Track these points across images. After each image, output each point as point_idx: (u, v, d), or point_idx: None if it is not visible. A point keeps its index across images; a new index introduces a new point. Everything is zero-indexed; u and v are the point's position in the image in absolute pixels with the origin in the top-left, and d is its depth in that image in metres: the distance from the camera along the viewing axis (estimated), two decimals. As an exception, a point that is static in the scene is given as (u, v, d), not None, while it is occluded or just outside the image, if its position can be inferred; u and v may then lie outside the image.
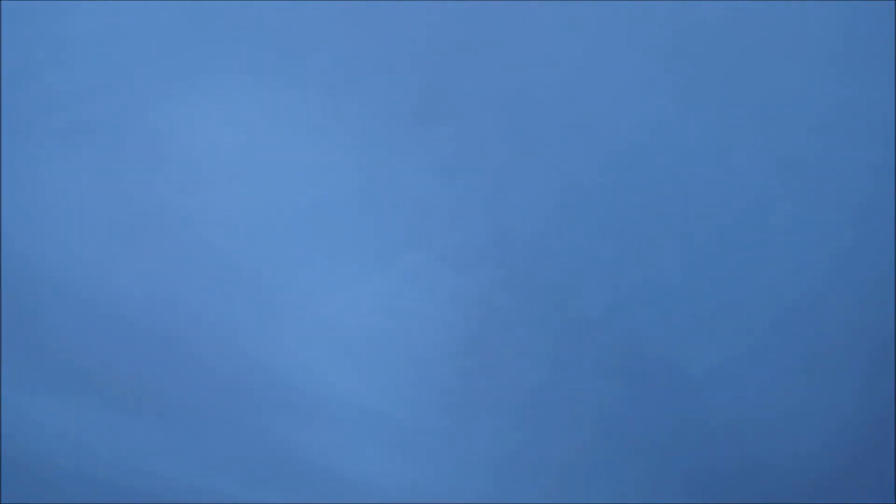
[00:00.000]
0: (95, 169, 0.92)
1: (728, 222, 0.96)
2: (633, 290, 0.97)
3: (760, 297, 0.98)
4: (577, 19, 0.88)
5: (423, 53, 0.89)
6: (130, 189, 0.93)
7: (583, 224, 0.94)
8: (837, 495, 1.05)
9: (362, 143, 0.91)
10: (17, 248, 0.96)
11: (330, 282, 0.95)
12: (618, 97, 0.90)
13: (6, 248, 0.95)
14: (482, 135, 0.91)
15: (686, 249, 0.96)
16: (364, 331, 0.97)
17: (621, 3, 0.87)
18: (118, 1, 0.87)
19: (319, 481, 1.05)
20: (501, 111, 0.90)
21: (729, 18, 0.88)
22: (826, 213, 0.95)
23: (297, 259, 0.95)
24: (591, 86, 0.89)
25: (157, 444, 1.02)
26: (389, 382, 1.00)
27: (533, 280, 0.96)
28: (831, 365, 1.02)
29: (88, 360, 0.99)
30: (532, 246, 0.95)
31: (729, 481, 1.06)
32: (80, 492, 1.06)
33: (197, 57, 0.88)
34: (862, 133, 0.92)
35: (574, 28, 0.88)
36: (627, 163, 0.92)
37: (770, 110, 0.92)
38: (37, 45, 0.88)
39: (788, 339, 1.00)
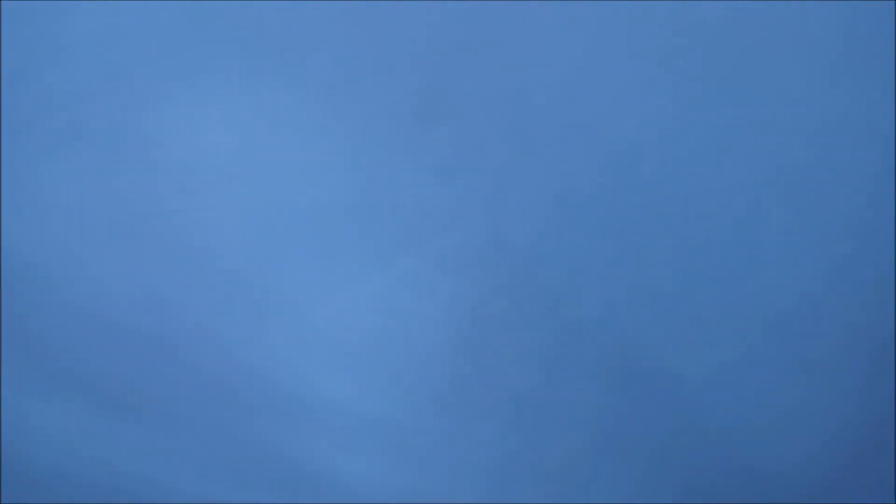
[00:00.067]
0: (91, 170, 0.92)
1: (724, 227, 0.96)
2: (628, 295, 0.97)
3: (756, 302, 0.98)
4: (574, 23, 0.88)
5: (419, 56, 0.89)
6: (126, 191, 0.93)
7: (579, 228, 0.94)
8: (834, 501, 1.04)
9: (358, 146, 0.91)
10: (12, 249, 0.96)
11: (325, 285, 0.95)
12: (614, 102, 0.90)
13: (1, 249, 0.95)
14: (478, 138, 0.91)
15: (682, 254, 0.96)
16: (359, 334, 0.97)
17: (618, 7, 0.87)
18: (115, 2, 0.87)
19: (314, 485, 1.05)
20: (498, 115, 0.91)
21: (726, 23, 0.88)
22: (822, 219, 0.96)
23: (293, 262, 0.95)
24: (587, 90, 0.90)
25: (150, 448, 1.02)
26: (385, 385, 1.00)
27: (529, 284, 0.96)
28: (827, 370, 1.01)
29: (81, 362, 0.99)
30: (528, 250, 0.95)
31: (724, 486, 1.05)
32: (73, 494, 1.06)
33: (193, 59, 0.88)
34: (860, 139, 0.92)
35: (571, 32, 0.88)
36: (623, 168, 0.93)
37: (767, 116, 0.92)
38: (34, 46, 0.88)
39: (784, 345, 1.00)
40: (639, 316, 0.98)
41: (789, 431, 1.04)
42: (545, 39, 0.88)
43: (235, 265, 0.96)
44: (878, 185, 0.94)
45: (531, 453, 1.03)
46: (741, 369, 1.01)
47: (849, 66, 0.90)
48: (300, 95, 0.90)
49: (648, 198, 0.94)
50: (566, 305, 0.97)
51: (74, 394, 1.01)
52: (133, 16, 0.88)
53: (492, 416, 1.01)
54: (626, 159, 0.92)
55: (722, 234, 0.96)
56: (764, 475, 1.06)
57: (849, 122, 0.92)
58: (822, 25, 0.88)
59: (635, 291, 0.97)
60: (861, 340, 1.00)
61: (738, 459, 1.05)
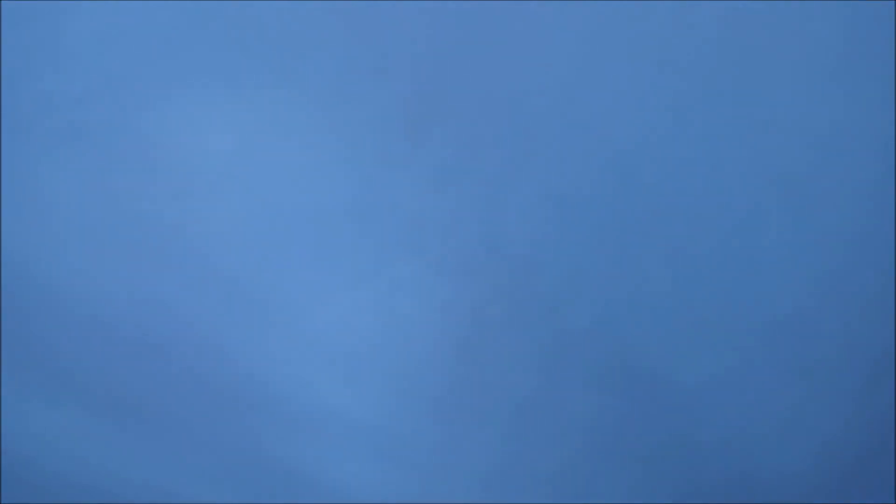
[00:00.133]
0: (90, 173, 0.92)
1: (721, 232, 0.96)
2: (626, 300, 0.97)
3: (753, 307, 0.98)
4: (571, 28, 0.88)
5: (417, 61, 0.89)
6: (124, 193, 0.93)
7: (576, 233, 0.94)
8: (828, 508, 1.05)
9: (355, 151, 0.91)
10: (10, 251, 0.96)
11: (322, 289, 0.95)
12: (611, 106, 0.90)
13: (-3, 254, 0.95)
14: (476, 143, 0.91)
15: (679, 260, 0.96)
16: (357, 338, 0.97)
17: (615, 11, 0.87)
18: (114, 4, 0.87)
19: (309, 491, 1.05)
20: (495, 120, 0.90)
21: (724, 28, 0.88)
22: (820, 225, 0.95)
23: (290, 266, 0.95)
24: (584, 95, 0.90)
25: (146, 451, 1.02)
26: (382, 390, 1.00)
27: (524, 290, 0.96)
28: (824, 376, 1.01)
29: (76, 366, 0.99)
30: (525, 255, 0.95)
31: (720, 492, 1.05)
32: (71, 497, 1.06)
33: (191, 62, 0.88)
34: (859, 143, 0.92)
35: (569, 37, 0.88)
36: (620, 173, 0.92)
37: (765, 121, 0.92)
38: (30, 48, 0.88)
39: (781, 351, 1.00)
40: (636, 321, 0.98)
41: (786, 437, 1.04)
42: (543, 45, 0.88)
43: (232, 269, 0.96)
44: (878, 190, 0.94)
45: (528, 458, 1.03)
46: (738, 375, 1.01)
47: (849, 70, 0.90)
48: (298, 99, 0.90)
49: (645, 203, 0.94)
50: (563, 310, 0.97)
51: (71, 396, 1.01)
52: (132, 18, 0.88)
53: (488, 420, 1.01)
54: (623, 164, 0.92)
55: (719, 239, 0.96)
56: (760, 481, 1.06)
57: (848, 127, 0.92)
58: (822, 28, 0.88)
59: (633, 297, 0.97)
60: (859, 347, 1.00)
61: (735, 465, 1.05)
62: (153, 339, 0.97)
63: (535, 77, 0.89)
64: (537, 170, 0.92)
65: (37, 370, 1.00)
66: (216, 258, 0.95)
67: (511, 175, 0.92)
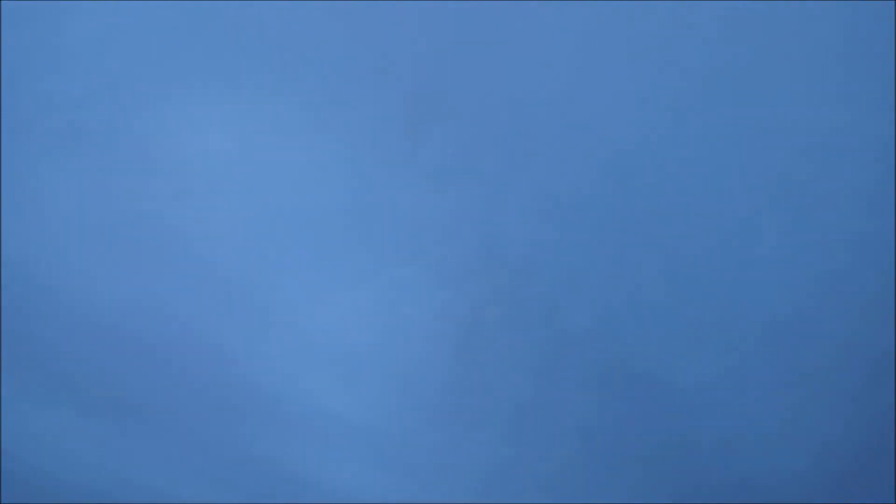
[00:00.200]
0: (86, 175, 0.92)
1: (719, 237, 0.95)
2: (621, 305, 0.97)
3: (750, 312, 0.98)
4: (569, 32, 0.87)
5: (415, 64, 0.89)
6: (120, 196, 0.92)
7: (574, 238, 0.94)
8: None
9: (353, 154, 0.91)
10: (7, 253, 0.96)
11: (319, 292, 0.95)
12: (609, 111, 0.90)
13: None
14: (474, 146, 0.91)
15: (676, 263, 0.96)
16: (353, 342, 0.97)
17: (613, 15, 0.87)
18: (112, 5, 0.87)
19: (306, 493, 1.04)
20: (493, 123, 0.90)
21: (722, 32, 0.88)
22: (818, 229, 0.95)
23: (287, 269, 0.95)
24: (582, 99, 0.89)
25: (142, 454, 1.02)
26: (378, 394, 1.00)
27: (523, 293, 0.96)
28: (821, 381, 1.01)
29: (73, 366, 0.99)
30: (522, 259, 0.95)
31: (717, 496, 1.05)
32: (66, 498, 1.05)
33: (188, 64, 0.88)
34: (858, 148, 0.92)
35: (567, 41, 0.88)
36: (618, 177, 0.92)
37: (763, 125, 0.92)
38: (30, 49, 0.88)
39: (778, 355, 1.00)
40: (635, 324, 0.98)
41: (785, 439, 1.04)
42: (542, 47, 0.88)
43: (231, 271, 0.96)
44: (876, 192, 0.94)
45: (526, 461, 1.03)
46: (737, 377, 1.01)
47: (849, 72, 0.90)
48: (297, 101, 0.90)
49: (644, 206, 0.94)
50: (562, 313, 0.97)
51: (67, 397, 1.01)
52: (131, 19, 0.88)
53: (487, 422, 1.01)
54: (622, 167, 0.92)
55: (717, 243, 0.96)
56: (759, 483, 1.06)
57: (847, 129, 0.92)
58: (821, 30, 0.88)
59: (631, 299, 0.97)
60: (857, 349, 1.00)
61: (734, 467, 1.05)
62: (151, 340, 0.97)
63: (533, 79, 0.89)
64: (536, 172, 0.92)
65: (32, 370, 1.00)
66: (214, 259, 0.95)
67: (510, 177, 0.92)
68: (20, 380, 1.00)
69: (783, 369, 1.01)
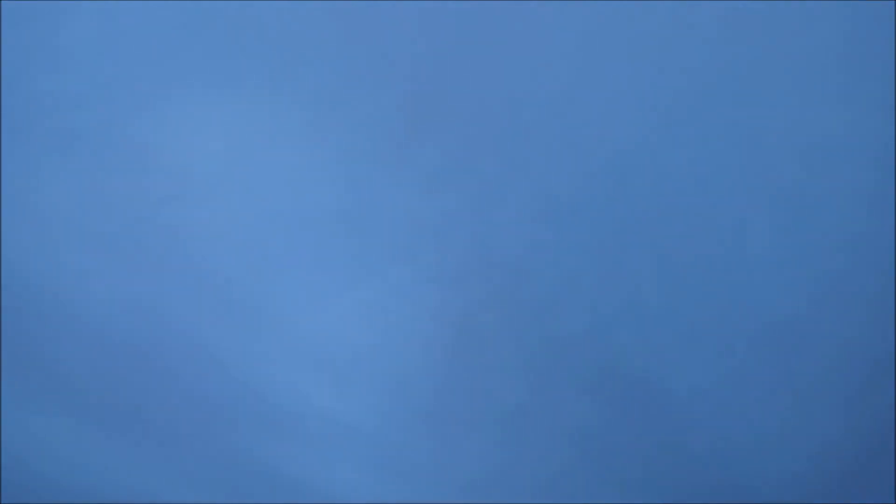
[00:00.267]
0: (80, 177, 0.92)
1: (712, 240, 0.95)
2: (616, 308, 0.97)
3: (744, 316, 0.98)
4: (564, 36, 0.88)
5: (410, 67, 0.89)
6: (113, 198, 0.92)
7: (567, 241, 0.94)
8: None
9: (347, 157, 0.91)
10: (1, 255, 0.96)
11: (312, 295, 0.95)
12: (603, 113, 0.90)
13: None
14: (467, 150, 0.91)
15: (670, 267, 0.96)
16: (345, 346, 0.97)
17: (608, 20, 0.87)
18: (106, 8, 0.87)
19: (299, 496, 1.04)
20: (487, 127, 0.90)
21: (719, 34, 0.88)
22: (812, 234, 0.95)
23: (280, 272, 0.95)
24: (575, 103, 0.89)
25: (134, 458, 1.02)
26: (371, 397, 0.99)
27: (516, 296, 0.96)
28: (817, 383, 1.01)
29: (66, 369, 0.99)
30: (515, 262, 0.94)
31: (712, 500, 1.05)
32: (59, 500, 1.05)
33: (182, 66, 0.88)
34: (853, 152, 0.92)
35: (561, 45, 0.88)
36: (610, 182, 0.92)
37: (757, 128, 0.92)
38: (24, 51, 0.88)
39: (772, 359, 1.00)
40: (628, 328, 0.98)
41: (778, 445, 1.04)
42: (536, 50, 0.88)
43: (224, 273, 0.96)
44: (872, 197, 0.94)
45: (519, 465, 1.03)
46: (731, 382, 1.01)
47: (846, 74, 0.90)
48: (292, 103, 0.90)
49: (638, 209, 0.94)
50: (553, 318, 0.97)
51: (61, 400, 1.01)
52: (126, 22, 0.88)
53: (479, 426, 1.01)
54: (616, 170, 0.92)
55: (711, 246, 0.96)
56: (754, 486, 1.06)
57: (842, 133, 0.92)
58: (818, 32, 0.88)
59: (625, 304, 0.97)
60: (853, 352, 1.00)
61: (727, 473, 1.05)
62: (144, 342, 0.97)
63: (528, 82, 0.89)
64: (530, 175, 0.92)
65: (26, 371, 1.00)
66: (209, 261, 0.95)
67: (504, 180, 0.92)
68: (12, 381, 1.00)
69: (779, 372, 1.01)
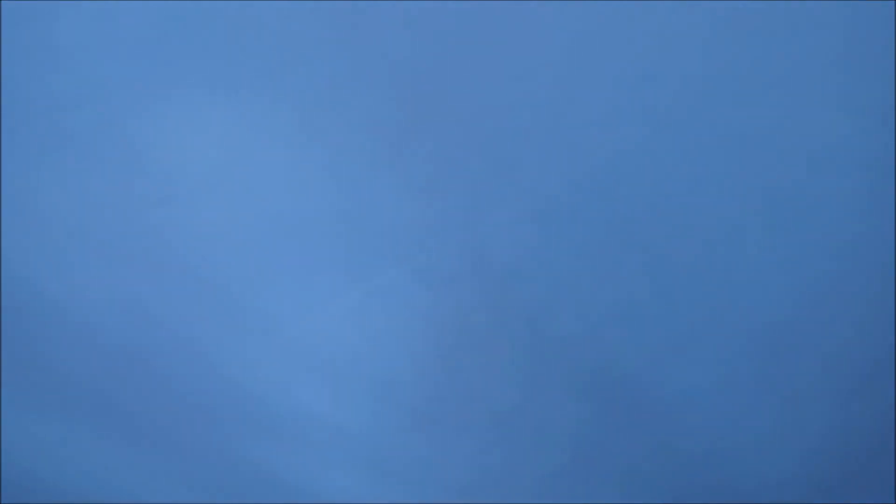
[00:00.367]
0: (72, 180, 0.92)
1: (705, 244, 0.95)
2: (608, 311, 0.97)
3: (736, 318, 0.98)
4: (557, 40, 0.88)
5: (400, 71, 0.89)
6: (105, 200, 0.92)
7: (559, 244, 0.94)
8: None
9: (338, 160, 0.91)
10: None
11: (302, 298, 0.95)
12: (595, 118, 0.90)
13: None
14: (459, 153, 0.91)
15: (661, 270, 0.96)
16: (336, 348, 0.97)
17: (601, 24, 0.87)
18: (99, 8, 0.87)
19: (290, 499, 1.04)
20: (479, 130, 0.90)
21: (711, 37, 0.88)
22: (805, 238, 0.95)
23: (272, 274, 0.95)
24: (569, 106, 0.89)
25: (124, 461, 1.02)
26: (363, 400, 0.99)
27: (507, 300, 0.96)
28: (810, 385, 1.01)
29: (55, 373, 0.99)
30: (506, 266, 0.94)
31: (705, 502, 1.05)
32: (50, 500, 1.05)
33: (173, 70, 0.88)
34: (847, 157, 0.92)
35: (552, 49, 0.88)
36: (604, 184, 0.92)
37: (750, 132, 0.92)
38: (16, 52, 0.88)
39: (764, 361, 1.00)
40: (620, 331, 0.98)
41: (770, 448, 1.04)
42: (529, 54, 0.88)
43: (215, 275, 0.96)
44: (866, 204, 0.94)
45: (510, 467, 1.03)
46: (723, 385, 1.01)
47: (842, 81, 0.90)
48: (283, 105, 0.90)
49: (630, 212, 0.94)
50: (545, 321, 0.97)
51: (52, 401, 1.01)
52: (118, 23, 0.88)
53: (471, 430, 1.01)
54: (608, 174, 0.92)
55: (704, 249, 0.96)
56: (747, 489, 1.06)
57: (838, 138, 0.92)
58: (814, 35, 0.88)
59: (617, 306, 0.97)
60: (845, 357, 1.00)
61: (718, 475, 1.05)
62: (135, 344, 0.97)
63: (520, 85, 0.89)
64: (522, 178, 0.92)
65: (19, 372, 1.00)
66: (199, 263, 0.95)
67: (497, 183, 0.92)
68: (2, 382, 1.00)
69: (772, 375, 1.01)
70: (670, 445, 1.03)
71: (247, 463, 1.02)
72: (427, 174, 0.92)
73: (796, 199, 0.94)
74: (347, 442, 1.01)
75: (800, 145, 0.92)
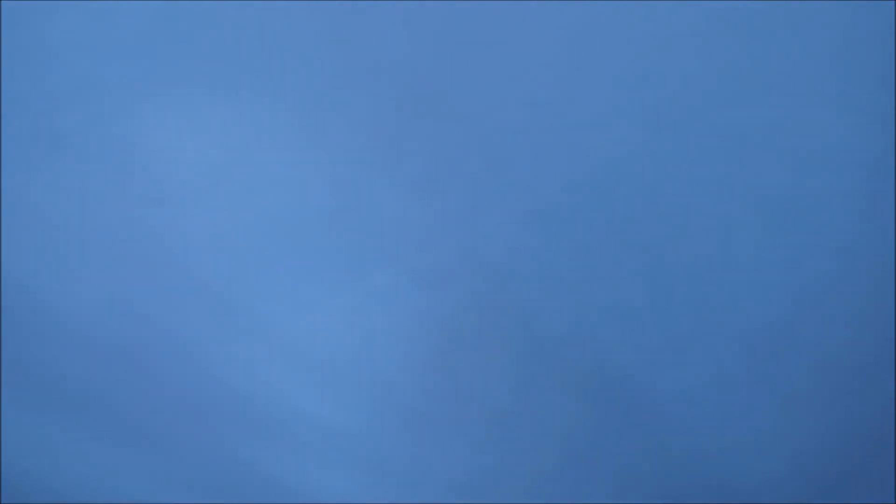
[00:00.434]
0: (63, 181, 0.91)
1: (698, 244, 0.95)
2: (600, 311, 0.97)
3: (728, 318, 0.98)
4: (552, 41, 0.87)
5: (397, 72, 0.88)
6: (99, 201, 0.92)
7: (552, 245, 0.94)
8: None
9: (333, 161, 0.90)
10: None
11: (297, 298, 0.95)
12: (589, 120, 0.90)
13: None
14: (453, 155, 0.91)
15: (654, 271, 0.96)
16: (331, 348, 0.97)
17: (592, 27, 0.87)
18: (92, 8, 0.86)
19: (284, 499, 1.04)
20: (474, 133, 0.90)
21: (706, 39, 0.88)
22: (797, 237, 0.96)
23: (266, 275, 0.95)
24: (562, 108, 0.89)
25: (118, 462, 1.01)
26: (357, 400, 0.99)
27: (500, 300, 0.96)
28: (802, 385, 1.02)
29: (49, 374, 0.98)
30: (501, 266, 0.94)
31: (698, 502, 1.06)
32: (44, 500, 1.05)
33: (168, 70, 0.88)
34: (841, 159, 0.92)
35: (547, 50, 0.88)
36: (595, 186, 0.92)
37: (743, 133, 0.92)
38: (10, 53, 0.88)
39: (756, 361, 1.00)
40: (612, 331, 0.98)
41: (762, 447, 1.04)
42: (524, 55, 0.88)
43: (210, 276, 0.95)
44: (860, 205, 0.94)
45: (503, 467, 1.03)
46: (715, 385, 1.01)
47: (838, 82, 0.90)
48: (278, 106, 0.89)
49: (623, 212, 0.94)
50: (539, 322, 0.97)
51: (46, 402, 1.00)
52: (112, 24, 0.87)
53: (464, 429, 1.01)
54: (597, 179, 0.92)
55: (695, 251, 0.96)
56: (739, 488, 1.06)
57: (834, 139, 0.92)
58: (810, 38, 0.88)
59: (609, 307, 0.97)
60: (837, 357, 1.01)
61: (711, 474, 1.05)
62: (127, 346, 0.97)
63: (515, 86, 0.89)
64: (516, 179, 0.92)
65: (14, 372, 1.00)
66: (196, 265, 0.95)
67: (490, 184, 0.92)
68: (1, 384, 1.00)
69: (765, 375, 1.01)
70: (665, 445, 1.03)
71: (241, 462, 1.02)
72: (422, 175, 0.91)
73: (791, 199, 0.94)
74: (342, 441, 1.00)
75: (796, 145, 0.92)
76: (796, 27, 0.87)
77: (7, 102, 0.89)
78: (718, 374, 1.01)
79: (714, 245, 0.95)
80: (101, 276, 0.95)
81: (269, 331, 0.96)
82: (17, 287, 0.95)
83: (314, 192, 0.91)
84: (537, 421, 1.00)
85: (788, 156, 0.92)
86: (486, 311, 0.96)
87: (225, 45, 0.87)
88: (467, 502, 1.03)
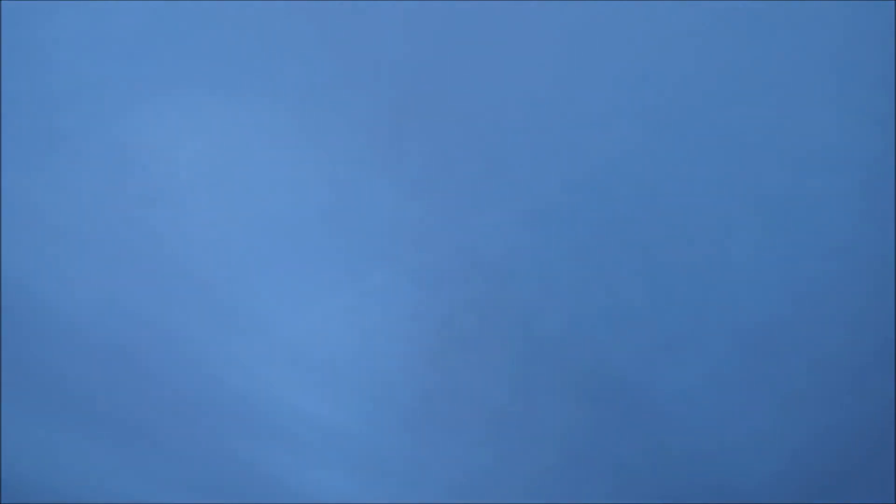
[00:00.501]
0: (62, 181, 0.91)
1: (696, 244, 0.95)
2: (599, 311, 0.97)
3: (727, 318, 0.98)
4: (550, 41, 0.87)
5: (395, 71, 0.88)
6: (95, 200, 0.92)
7: (551, 244, 0.94)
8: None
9: (330, 160, 0.90)
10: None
11: (295, 298, 0.95)
12: (586, 119, 0.90)
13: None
14: (452, 154, 0.91)
15: (653, 271, 0.96)
16: (328, 348, 0.97)
17: (590, 27, 0.87)
18: (88, 10, 0.86)
19: (282, 500, 1.04)
20: (471, 131, 0.90)
21: (704, 38, 0.88)
22: (795, 237, 0.95)
23: (263, 274, 0.95)
24: (561, 108, 0.89)
25: (118, 462, 1.01)
26: (355, 400, 0.99)
27: (498, 300, 0.95)
28: (800, 385, 1.01)
29: (49, 374, 0.98)
30: (499, 265, 0.94)
31: (693, 502, 1.05)
32: (41, 501, 1.05)
33: (167, 70, 0.88)
34: (840, 159, 0.92)
35: (545, 50, 0.88)
36: (594, 186, 0.92)
37: (741, 133, 0.92)
38: (8, 53, 0.88)
39: (754, 361, 1.00)
40: (611, 331, 0.98)
41: (760, 447, 1.04)
42: (522, 55, 0.88)
43: (205, 278, 0.95)
44: (859, 206, 0.94)
45: (502, 467, 1.03)
46: (714, 385, 1.01)
47: (837, 82, 0.90)
48: (272, 109, 0.89)
49: (617, 217, 0.94)
50: (537, 321, 0.97)
51: (42, 403, 1.00)
52: (109, 23, 0.87)
53: (462, 429, 1.01)
54: (595, 179, 0.92)
55: (693, 251, 0.96)
56: (738, 488, 1.06)
57: (832, 139, 0.92)
58: (809, 38, 0.88)
59: (607, 307, 0.97)
60: (835, 357, 1.01)
61: (709, 475, 1.05)
62: (123, 346, 0.97)
63: (513, 86, 0.89)
64: (514, 178, 0.92)
65: (12, 375, 1.00)
66: (193, 265, 0.95)
67: (488, 183, 0.92)
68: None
69: (763, 375, 1.01)
70: (664, 445, 1.03)
71: (239, 462, 1.02)
72: (421, 175, 0.91)
73: (790, 199, 0.94)
74: (340, 441, 1.00)
75: (796, 145, 0.92)
76: (796, 27, 0.87)
77: (6, 102, 0.89)
78: (718, 374, 1.00)
79: (713, 245, 0.95)
80: (100, 276, 0.95)
81: (268, 330, 0.96)
82: (16, 287, 0.95)
83: (313, 191, 0.91)
84: (536, 421, 1.00)
85: (788, 156, 0.92)
86: (485, 310, 0.96)
87: (224, 45, 0.87)
88: (467, 502, 1.03)
